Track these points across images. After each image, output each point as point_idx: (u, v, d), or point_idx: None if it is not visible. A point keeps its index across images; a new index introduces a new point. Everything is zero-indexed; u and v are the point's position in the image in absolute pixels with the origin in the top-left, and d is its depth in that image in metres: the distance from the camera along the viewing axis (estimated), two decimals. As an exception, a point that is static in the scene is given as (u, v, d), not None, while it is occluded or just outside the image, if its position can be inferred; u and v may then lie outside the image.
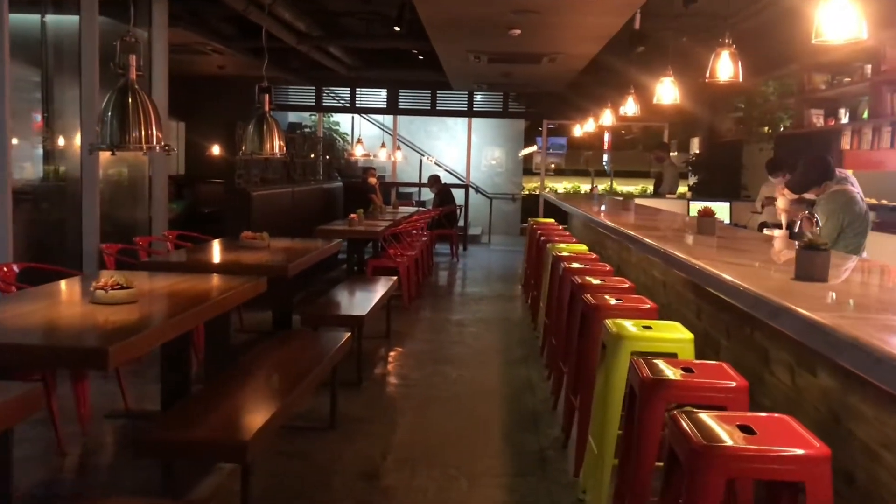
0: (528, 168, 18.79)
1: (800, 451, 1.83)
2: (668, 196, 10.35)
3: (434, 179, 12.92)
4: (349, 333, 4.51)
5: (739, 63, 4.93)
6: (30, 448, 3.80)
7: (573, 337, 3.91)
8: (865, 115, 7.17)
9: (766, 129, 9.67)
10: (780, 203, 5.95)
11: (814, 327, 1.94)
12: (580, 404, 3.64)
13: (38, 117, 6.93)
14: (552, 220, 9.03)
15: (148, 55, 7.10)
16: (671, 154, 12.57)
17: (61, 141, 6.86)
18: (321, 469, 3.77)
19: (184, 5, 8.84)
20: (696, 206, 8.24)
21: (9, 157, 5.23)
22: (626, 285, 4.15)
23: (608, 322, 3.16)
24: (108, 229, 6.48)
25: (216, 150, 12.07)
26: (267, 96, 5.36)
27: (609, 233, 5.19)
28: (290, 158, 9.04)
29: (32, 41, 6.65)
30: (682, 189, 11.97)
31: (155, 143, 3.44)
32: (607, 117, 10.25)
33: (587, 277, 4.22)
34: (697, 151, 12.59)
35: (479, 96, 15.64)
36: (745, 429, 1.92)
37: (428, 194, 13.98)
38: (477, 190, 15.75)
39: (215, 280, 3.99)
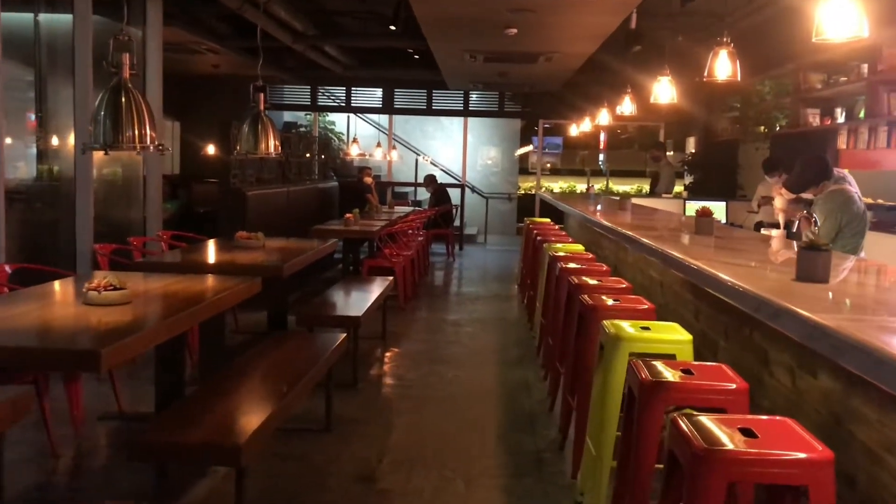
0: (524, 168, 18.80)
1: (803, 455, 1.81)
2: (664, 195, 10.34)
3: (430, 179, 12.90)
4: (345, 334, 4.49)
5: (738, 62, 4.91)
6: (22, 451, 3.77)
7: (570, 337, 3.89)
8: (862, 114, 7.16)
9: (763, 128, 9.66)
10: (778, 203, 5.94)
11: (816, 329, 1.92)
12: (577, 405, 3.62)
13: (32, 117, 6.88)
14: (548, 220, 9.01)
15: (142, 54, 7.06)
16: (667, 153, 12.56)
17: (55, 140, 6.82)
18: (317, 471, 3.74)
19: (178, 4, 8.80)
20: (692, 206, 8.24)
21: (2, 157, 5.20)
22: (624, 285, 4.14)
23: (606, 323, 3.14)
24: (102, 229, 6.44)
25: (211, 149, 12.00)
26: (262, 95, 5.34)
27: (606, 232, 5.18)
28: (286, 158, 9.01)
29: (26, 40, 6.60)
30: (679, 188, 11.96)
31: (149, 142, 3.41)
32: (603, 117, 10.22)
33: (584, 277, 4.20)
34: (693, 151, 12.58)
35: (474, 96, 15.64)
36: (747, 432, 1.91)
37: (424, 194, 13.95)
38: (473, 190, 15.73)
39: (210, 281, 3.96)
